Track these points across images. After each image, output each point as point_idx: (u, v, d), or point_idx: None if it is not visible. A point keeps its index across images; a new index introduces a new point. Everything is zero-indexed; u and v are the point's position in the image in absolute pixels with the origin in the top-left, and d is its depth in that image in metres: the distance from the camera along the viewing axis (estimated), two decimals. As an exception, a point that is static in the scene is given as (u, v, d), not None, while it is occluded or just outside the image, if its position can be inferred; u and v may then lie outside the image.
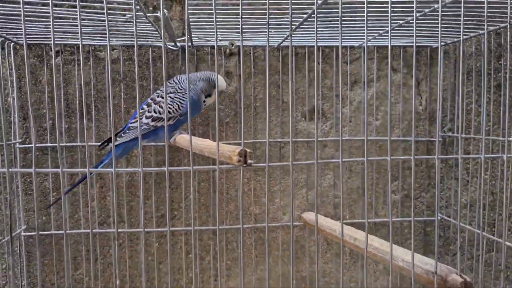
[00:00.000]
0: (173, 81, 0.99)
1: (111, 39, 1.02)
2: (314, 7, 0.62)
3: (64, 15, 0.85)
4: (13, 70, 1.02)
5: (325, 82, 1.13)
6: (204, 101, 0.99)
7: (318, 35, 1.00)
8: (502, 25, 0.94)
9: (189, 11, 0.68)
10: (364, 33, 0.98)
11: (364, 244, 0.81)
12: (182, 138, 0.92)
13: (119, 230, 1.09)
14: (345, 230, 0.95)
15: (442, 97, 1.14)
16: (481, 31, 1.00)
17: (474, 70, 1.11)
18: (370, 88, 1.14)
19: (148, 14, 0.72)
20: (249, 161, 0.62)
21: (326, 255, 1.17)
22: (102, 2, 0.77)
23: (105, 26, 0.82)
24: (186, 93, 0.97)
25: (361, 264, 1.14)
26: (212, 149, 0.70)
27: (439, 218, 1.15)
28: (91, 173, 1.06)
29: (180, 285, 1.13)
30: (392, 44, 1.13)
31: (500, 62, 1.13)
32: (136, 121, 0.97)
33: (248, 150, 0.61)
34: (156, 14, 0.71)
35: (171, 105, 0.96)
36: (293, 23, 0.87)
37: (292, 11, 0.63)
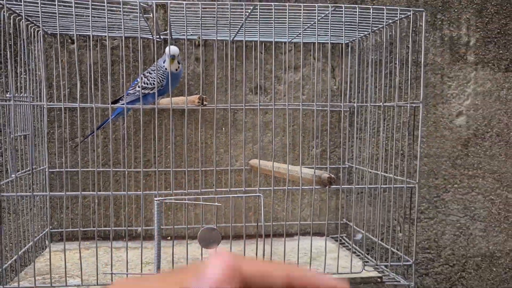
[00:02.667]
0: (156, 63, 1.42)
1: (112, 31, 1.45)
2: (246, 13, 1.07)
3: (81, 13, 1.27)
4: (41, 52, 1.44)
5: (266, 67, 1.58)
6: (176, 69, 1.40)
7: (260, 32, 1.45)
8: (377, 28, 1.41)
9: (170, 14, 1.11)
10: (290, 31, 1.43)
11: (283, 170, 1.26)
12: (164, 100, 1.36)
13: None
14: (271, 165, 1.40)
15: (350, 80, 1.61)
16: (360, 34, 1.47)
17: (372, 60, 1.59)
18: (299, 72, 1.60)
19: (145, 15, 1.15)
20: (205, 103, 1.05)
21: (266, 192, 1.62)
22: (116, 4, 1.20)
23: (109, 22, 1.24)
24: (165, 71, 1.39)
25: (291, 198, 1.60)
26: (184, 100, 1.13)
27: (346, 165, 1.62)
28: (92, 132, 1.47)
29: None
30: (313, 41, 1.59)
31: (391, 54, 1.60)
32: (133, 89, 1.40)
33: (204, 96, 1.05)
34: (149, 15, 1.14)
35: (154, 79, 1.39)
36: (237, 24, 1.31)
37: (237, 15, 1.07)
